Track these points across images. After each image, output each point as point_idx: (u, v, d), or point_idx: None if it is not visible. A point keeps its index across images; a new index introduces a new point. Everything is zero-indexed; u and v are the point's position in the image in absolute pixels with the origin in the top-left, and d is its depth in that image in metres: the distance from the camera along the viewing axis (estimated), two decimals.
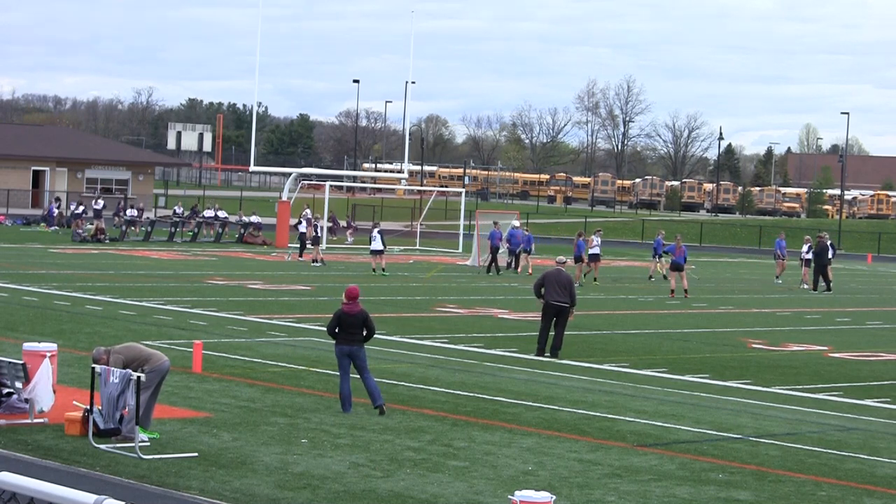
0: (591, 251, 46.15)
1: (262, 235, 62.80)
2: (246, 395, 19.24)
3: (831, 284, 48.71)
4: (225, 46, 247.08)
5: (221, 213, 66.40)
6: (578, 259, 45.11)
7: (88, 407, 15.60)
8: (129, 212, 63.76)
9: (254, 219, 65.22)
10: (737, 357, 27.50)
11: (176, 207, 70.84)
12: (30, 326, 25.80)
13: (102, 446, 15.12)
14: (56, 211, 67.68)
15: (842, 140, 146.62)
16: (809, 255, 50.28)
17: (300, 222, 53.52)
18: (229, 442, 15.79)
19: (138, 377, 15.42)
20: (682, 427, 18.54)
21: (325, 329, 19.32)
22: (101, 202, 64.20)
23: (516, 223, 53.31)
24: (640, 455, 16.35)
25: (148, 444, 15.26)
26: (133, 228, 61.53)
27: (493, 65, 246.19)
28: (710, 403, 20.95)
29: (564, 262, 26.99)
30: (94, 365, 15.84)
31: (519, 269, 50.10)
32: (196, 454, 14.99)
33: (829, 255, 51.05)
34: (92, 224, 60.28)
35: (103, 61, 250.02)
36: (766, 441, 17.78)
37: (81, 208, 63.82)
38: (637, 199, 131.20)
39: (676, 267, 42.21)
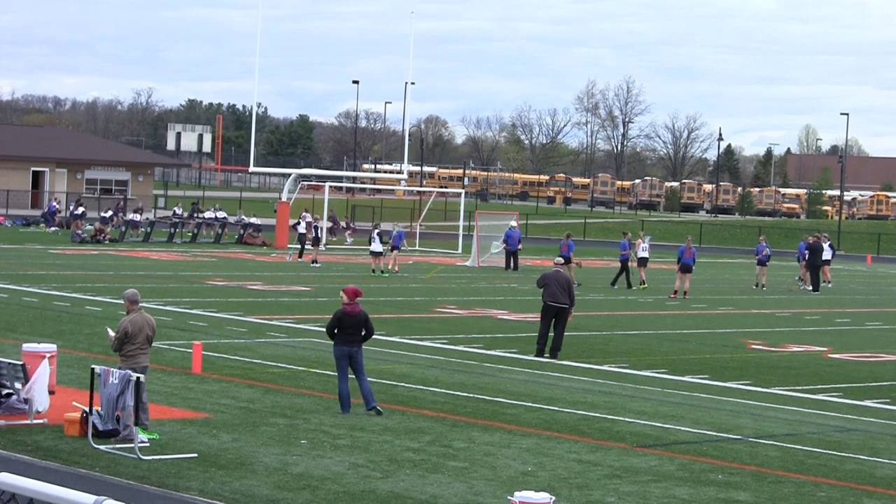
0: (639, 255, 45.79)
1: (261, 236, 62.78)
2: (245, 395, 19.25)
3: (819, 285, 48.64)
4: (224, 47, 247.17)
5: (221, 214, 66.28)
6: (568, 260, 44.78)
7: (87, 408, 15.61)
8: (130, 214, 63.67)
9: (253, 220, 65.22)
10: (736, 358, 27.49)
11: (176, 208, 70.79)
12: (29, 327, 25.81)
13: (102, 447, 15.13)
14: (56, 206, 67.63)
15: (841, 141, 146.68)
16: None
17: (299, 223, 53.54)
18: (229, 443, 15.80)
19: (137, 378, 15.44)
20: (682, 428, 18.54)
21: (324, 330, 19.30)
22: (109, 212, 64.13)
23: (514, 223, 53.44)
24: (639, 456, 16.35)
25: (147, 444, 15.26)
26: (133, 230, 61.50)
27: (492, 66, 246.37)
28: (709, 404, 20.96)
29: (563, 263, 26.99)
30: (130, 300, 16.14)
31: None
32: (195, 455, 15.00)
33: (828, 256, 51.05)
34: (92, 225, 60.23)
35: (103, 62, 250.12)
36: (766, 442, 17.78)
37: (81, 209, 63.78)
38: (636, 200, 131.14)
39: (686, 268, 42.15)
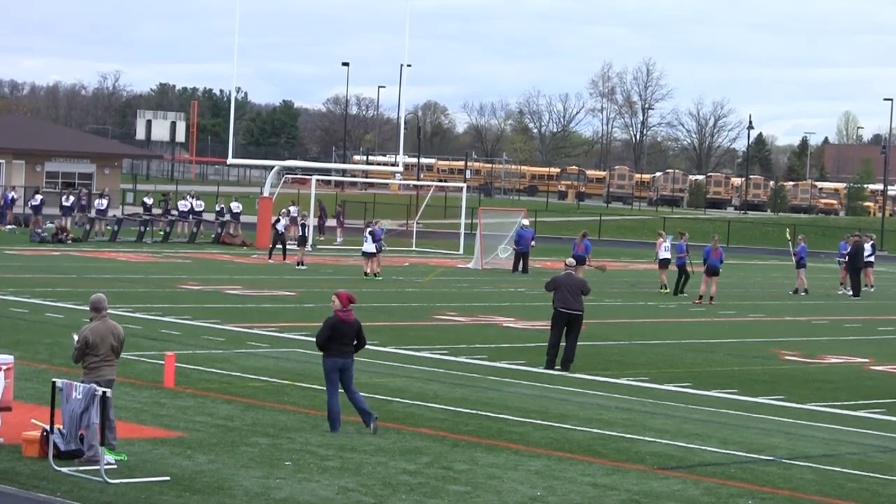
0: (660, 256, 46.03)
1: (241, 235, 62.82)
2: (223, 412, 19.25)
3: (860, 290, 48.67)
4: (200, 25, 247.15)
5: (199, 204, 66.00)
6: (582, 261, 44.62)
7: (48, 426, 15.60)
8: (97, 202, 63.59)
9: (234, 206, 65.35)
10: (768, 370, 27.52)
11: (146, 199, 70.78)
12: None
13: (64, 469, 15.13)
14: (11, 197, 67.63)
15: (884, 129, 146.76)
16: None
17: (279, 220, 53.40)
18: (205, 464, 15.80)
19: (104, 392, 15.43)
20: (708, 448, 18.55)
21: (311, 339, 19.30)
22: (71, 198, 64.15)
23: (525, 222, 53.56)
24: (660, 479, 16.36)
25: (115, 466, 15.26)
26: (98, 226, 61.49)
27: (497, 46, 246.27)
28: (738, 422, 20.96)
29: (575, 265, 27.00)
30: (93, 306, 16.18)
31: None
32: (168, 478, 14.99)
33: (870, 257, 51.04)
34: (52, 223, 60.23)
35: (65, 42, 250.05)
36: (801, 463, 17.79)
37: (39, 198, 63.80)
38: (657, 195, 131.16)
39: (712, 271, 42.22)
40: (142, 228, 61.23)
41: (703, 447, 18.58)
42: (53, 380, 16.01)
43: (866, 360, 29.85)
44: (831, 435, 20.37)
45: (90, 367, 16.07)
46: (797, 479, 16.80)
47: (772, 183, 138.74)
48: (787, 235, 55.32)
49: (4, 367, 16.92)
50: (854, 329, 37.36)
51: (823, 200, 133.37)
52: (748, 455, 18.21)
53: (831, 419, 21.77)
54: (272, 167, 72.60)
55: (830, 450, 19.12)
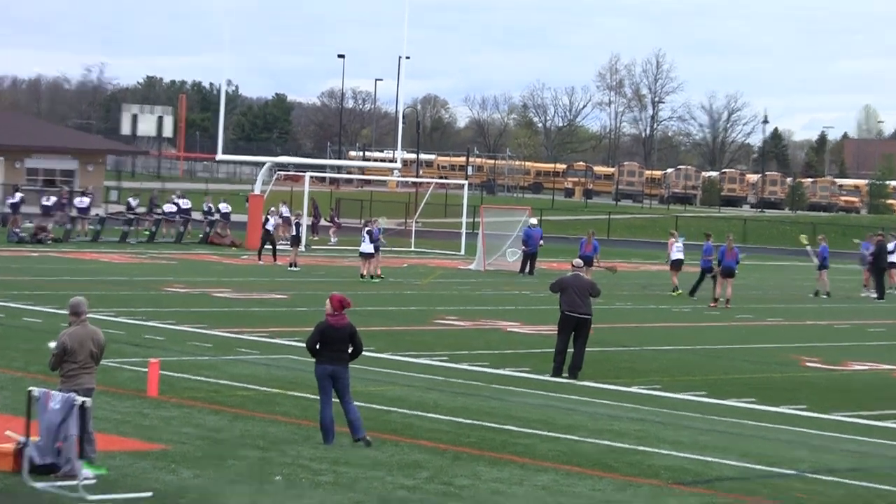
0: (672, 257, 46.14)
1: (230, 235, 62.79)
2: (210, 423, 19.18)
3: (884, 292, 48.67)
4: (188, 16, 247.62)
5: (185, 203, 65.91)
6: (590, 262, 44.51)
7: (23, 438, 15.46)
8: (78, 200, 63.50)
9: (223, 207, 65.32)
10: (788, 378, 27.49)
11: (130, 199, 70.70)
12: None
13: (39, 484, 15.02)
14: None
15: None
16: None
17: (267, 219, 53.28)
18: (190, 479, 15.69)
19: (83, 402, 15.29)
20: (726, 461, 18.47)
21: (303, 345, 19.16)
22: (52, 199, 64.10)
23: (533, 221, 53.58)
24: (676, 495, 16.28)
25: (94, 481, 15.14)
26: (80, 226, 61.45)
27: (499, 37, 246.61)
28: (757, 433, 20.90)
29: (583, 266, 26.91)
30: (72, 310, 16.04)
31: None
32: (150, 493, 14.89)
33: (893, 258, 50.99)
34: (32, 222, 60.13)
35: (47, 33, 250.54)
36: (826, 478, 17.72)
37: (18, 196, 63.76)
38: (669, 193, 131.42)
39: (728, 272, 42.15)
40: (126, 228, 61.27)
41: (721, 460, 18.50)
42: (30, 388, 15.89)
43: (893, 367, 29.84)
44: (858, 447, 20.35)
45: (68, 375, 15.92)
46: (822, 495, 16.73)
47: (789, 179, 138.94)
48: (804, 241, 54.70)
49: None
50: (879, 333, 37.32)
51: (844, 198, 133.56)
52: (769, 469, 18.13)
53: (857, 430, 21.74)
54: (264, 163, 72.63)
55: (857, 463, 19.10)
